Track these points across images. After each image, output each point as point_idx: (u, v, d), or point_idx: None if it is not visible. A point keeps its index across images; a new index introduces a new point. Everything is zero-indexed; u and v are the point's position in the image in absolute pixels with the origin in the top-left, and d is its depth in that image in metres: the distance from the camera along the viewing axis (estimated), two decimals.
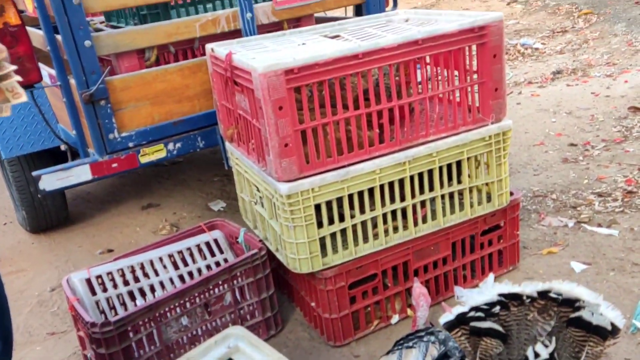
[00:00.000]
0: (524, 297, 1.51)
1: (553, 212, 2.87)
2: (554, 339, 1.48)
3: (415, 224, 2.18)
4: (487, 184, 2.29)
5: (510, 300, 1.53)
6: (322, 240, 2.05)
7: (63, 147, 2.80)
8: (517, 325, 1.54)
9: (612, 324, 1.41)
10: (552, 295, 1.48)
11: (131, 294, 2.24)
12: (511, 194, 2.36)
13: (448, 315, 1.57)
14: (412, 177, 2.11)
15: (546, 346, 1.47)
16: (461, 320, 1.56)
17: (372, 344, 2.17)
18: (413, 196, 2.14)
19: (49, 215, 3.21)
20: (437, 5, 8.88)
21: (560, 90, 4.52)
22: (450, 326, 1.57)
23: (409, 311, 2.26)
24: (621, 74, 4.58)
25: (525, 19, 7.01)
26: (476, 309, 1.56)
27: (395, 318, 2.26)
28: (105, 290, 2.20)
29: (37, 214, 3.17)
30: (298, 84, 1.87)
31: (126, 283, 2.26)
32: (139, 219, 3.40)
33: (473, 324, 1.56)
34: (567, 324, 1.46)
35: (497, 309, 1.53)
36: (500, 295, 1.54)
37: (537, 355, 1.47)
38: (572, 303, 1.47)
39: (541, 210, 2.90)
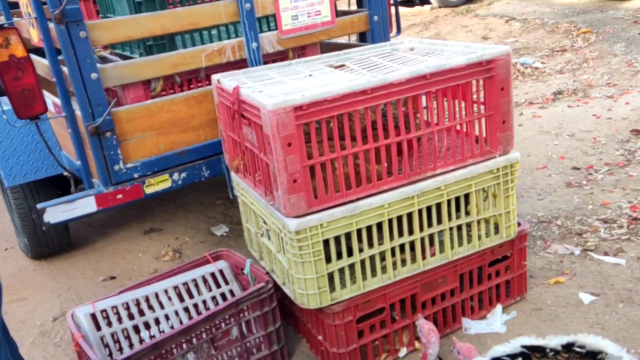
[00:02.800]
0: (547, 350, 1.49)
1: (559, 238, 2.86)
2: None
3: (424, 257, 2.16)
4: (495, 216, 2.28)
5: (533, 352, 1.51)
6: (330, 275, 2.03)
7: (66, 174, 2.79)
8: None
9: None
10: (576, 348, 1.46)
11: (136, 328, 2.21)
12: (518, 224, 2.36)
13: None
14: (420, 211, 2.10)
15: None
16: None
17: None
18: (421, 229, 2.12)
19: (51, 242, 3.19)
20: (435, 23, 8.93)
21: (561, 111, 4.53)
22: None
23: (417, 344, 2.24)
24: (622, 95, 4.59)
25: (524, 37, 7.05)
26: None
27: (403, 351, 2.24)
28: (110, 324, 2.18)
29: (39, 241, 3.15)
30: (307, 120, 1.87)
31: (131, 317, 2.23)
32: (142, 245, 3.37)
33: None
34: None
35: None
36: (523, 347, 1.52)
37: None
38: (595, 355, 1.45)
39: (547, 237, 2.89)
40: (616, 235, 2.79)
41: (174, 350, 2.01)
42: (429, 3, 10.25)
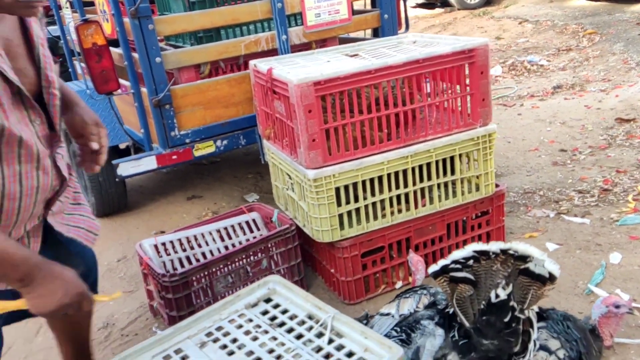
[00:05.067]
0: (491, 253, 2.02)
1: (539, 205, 3.37)
2: (510, 284, 1.98)
3: (416, 207, 2.70)
4: (477, 177, 2.81)
5: (481, 255, 2.04)
6: (341, 218, 2.58)
7: (123, 146, 3.40)
8: (485, 274, 2.04)
9: (550, 274, 1.91)
10: (511, 252, 1.99)
11: (188, 259, 2.80)
12: (497, 185, 2.87)
13: (434, 266, 2.08)
14: (413, 169, 2.64)
15: (504, 289, 1.98)
16: (444, 270, 2.07)
17: (379, 303, 2.68)
18: (414, 184, 2.66)
19: (112, 202, 3.82)
20: (453, 24, 9.41)
21: (558, 103, 5.01)
22: (435, 275, 2.08)
23: (410, 279, 2.78)
24: (614, 89, 5.05)
25: (534, 37, 7.50)
26: (455, 261, 2.07)
27: (399, 284, 2.78)
28: (168, 254, 2.77)
29: (104, 200, 3.77)
30: (324, 93, 2.43)
31: (184, 250, 2.83)
32: (185, 208, 3.98)
33: (452, 273, 2.07)
34: (519, 273, 1.96)
35: (470, 261, 2.04)
36: (474, 251, 2.05)
37: (497, 296, 1.98)
38: (524, 258, 1.97)
39: (529, 204, 3.39)
40: (587, 202, 3.29)
41: (218, 272, 2.59)
42: (450, 5, 10.73)
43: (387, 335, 2.10)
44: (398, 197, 2.66)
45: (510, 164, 3.99)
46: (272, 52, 3.17)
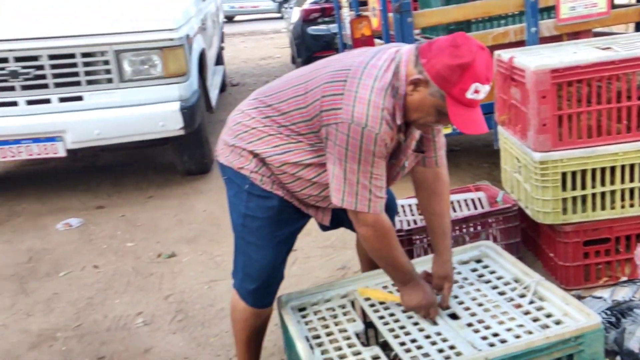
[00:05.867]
0: None
1: None
2: None
3: None
4: None
5: None
6: (565, 203, 2.66)
7: None
8: None
9: None
10: None
11: (415, 222, 3.19)
12: None
13: None
14: None
15: None
16: None
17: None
18: None
19: None
20: None
21: None
22: None
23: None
24: None
25: None
26: None
27: (623, 280, 2.72)
28: (399, 216, 3.20)
29: None
30: (560, 81, 2.54)
31: (412, 215, 3.22)
32: None
33: None
34: None
35: None
36: None
37: None
38: None
39: None
40: None
41: None
42: None
43: None
44: (631, 190, 2.61)
45: None
46: (518, 44, 3.33)
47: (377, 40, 3.60)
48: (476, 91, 1.61)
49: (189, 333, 2.82)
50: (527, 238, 3.11)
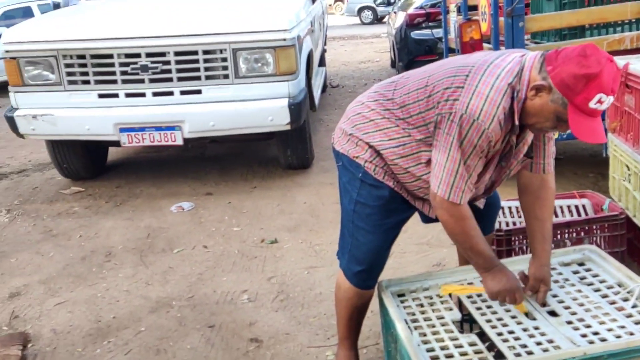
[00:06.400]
0: None
1: None
2: None
3: None
4: None
5: None
6: None
7: None
8: None
9: None
10: None
11: (514, 223, 3.20)
12: None
13: None
14: None
15: None
16: None
17: None
18: None
19: None
20: None
21: None
22: None
23: None
24: None
25: None
26: None
27: None
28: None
29: None
30: None
31: (511, 217, 3.23)
32: None
33: None
34: None
35: None
36: None
37: None
38: None
39: None
40: None
41: None
42: None
43: None
44: None
45: None
46: (634, 51, 3.25)
47: (485, 45, 3.64)
48: (600, 101, 1.64)
49: (290, 312, 3.03)
50: (632, 248, 3.02)
